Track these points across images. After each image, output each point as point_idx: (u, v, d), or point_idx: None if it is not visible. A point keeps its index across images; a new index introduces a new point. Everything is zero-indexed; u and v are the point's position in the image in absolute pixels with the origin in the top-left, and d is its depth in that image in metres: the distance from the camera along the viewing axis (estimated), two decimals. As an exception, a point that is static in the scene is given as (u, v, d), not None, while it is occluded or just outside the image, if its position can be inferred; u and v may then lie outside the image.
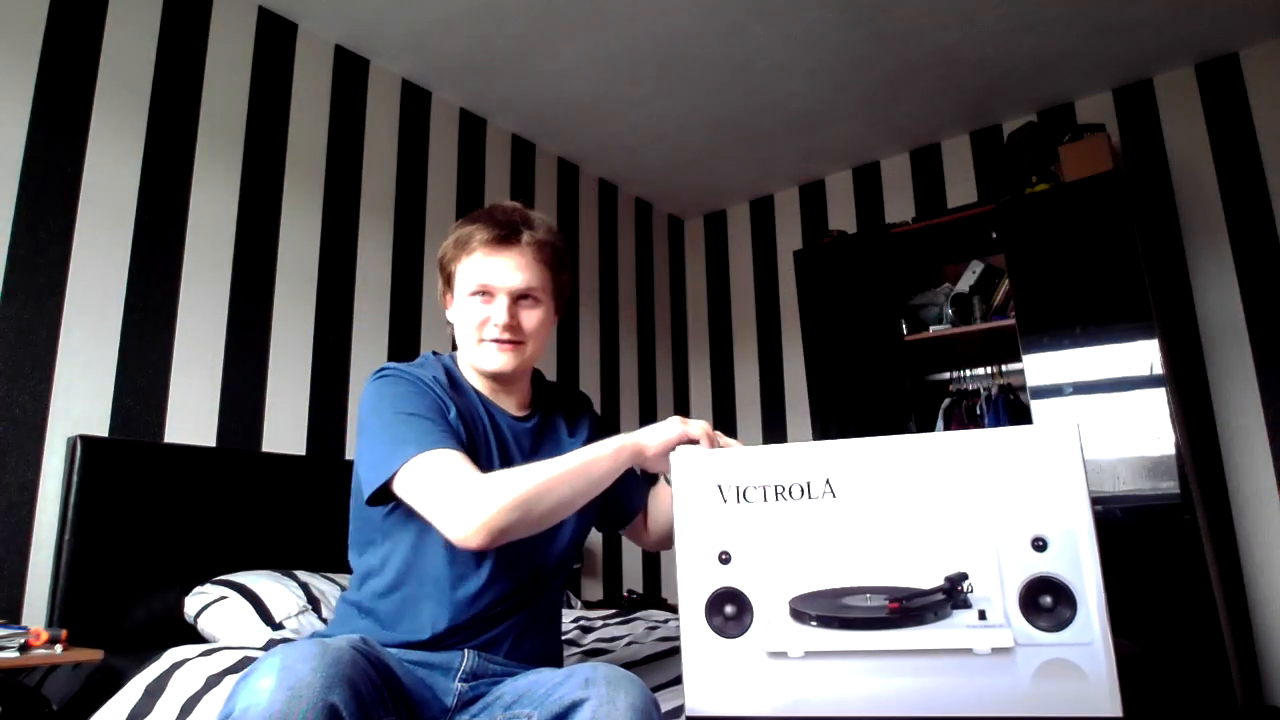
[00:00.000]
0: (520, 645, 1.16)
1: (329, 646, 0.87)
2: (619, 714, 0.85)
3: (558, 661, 1.25)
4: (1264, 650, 2.87)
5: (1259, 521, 2.93)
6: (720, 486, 0.93)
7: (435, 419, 1.10)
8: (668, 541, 1.37)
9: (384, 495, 1.08)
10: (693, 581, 0.91)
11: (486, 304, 1.18)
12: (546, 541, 1.18)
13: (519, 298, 1.19)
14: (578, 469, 1.04)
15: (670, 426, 1.09)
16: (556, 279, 1.24)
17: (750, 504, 0.92)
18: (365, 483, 1.10)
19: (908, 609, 0.87)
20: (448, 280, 1.24)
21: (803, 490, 0.92)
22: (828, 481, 0.91)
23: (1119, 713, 0.82)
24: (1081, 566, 0.86)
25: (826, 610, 0.89)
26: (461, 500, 1.00)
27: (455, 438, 1.09)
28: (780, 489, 0.92)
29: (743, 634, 0.89)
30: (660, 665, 1.46)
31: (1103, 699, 0.83)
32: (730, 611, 0.89)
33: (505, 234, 1.18)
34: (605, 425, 1.37)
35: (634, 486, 1.35)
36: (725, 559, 0.91)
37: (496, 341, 1.18)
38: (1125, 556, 2.68)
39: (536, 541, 1.12)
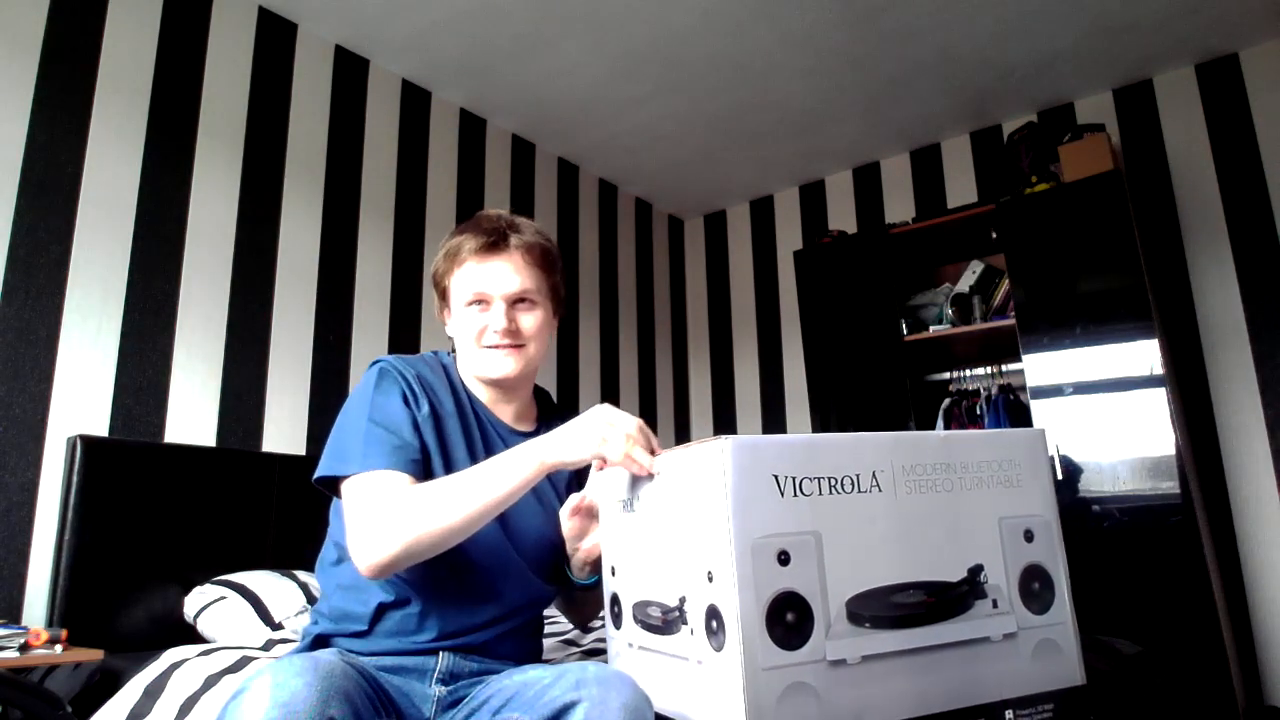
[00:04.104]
0: (501, 643, 1.14)
1: (320, 660, 0.85)
2: (612, 715, 0.83)
3: (538, 657, 1.23)
4: (1264, 650, 2.86)
5: (1259, 522, 2.93)
6: (776, 477, 0.82)
7: (398, 432, 1.08)
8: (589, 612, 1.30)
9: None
10: (750, 588, 0.78)
11: (484, 312, 1.17)
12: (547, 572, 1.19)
13: (515, 301, 1.18)
14: (481, 487, 0.99)
15: (589, 439, 0.98)
16: (550, 280, 1.23)
17: (807, 497, 0.83)
18: (323, 469, 1.10)
19: (944, 601, 0.88)
20: (443, 295, 1.22)
21: (853, 483, 0.86)
22: (874, 475, 0.87)
23: (1083, 682, 0.93)
24: (1055, 553, 0.96)
25: (880, 610, 0.83)
26: (364, 536, 1.00)
27: (406, 454, 1.07)
28: (834, 481, 0.85)
29: (804, 644, 0.79)
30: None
31: (1074, 671, 0.94)
32: (791, 620, 0.79)
33: (494, 240, 1.17)
34: None
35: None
36: (784, 560, 0.80)
37: (497, 347, 1.17)
38: (1125, 556, 2.68)
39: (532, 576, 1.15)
